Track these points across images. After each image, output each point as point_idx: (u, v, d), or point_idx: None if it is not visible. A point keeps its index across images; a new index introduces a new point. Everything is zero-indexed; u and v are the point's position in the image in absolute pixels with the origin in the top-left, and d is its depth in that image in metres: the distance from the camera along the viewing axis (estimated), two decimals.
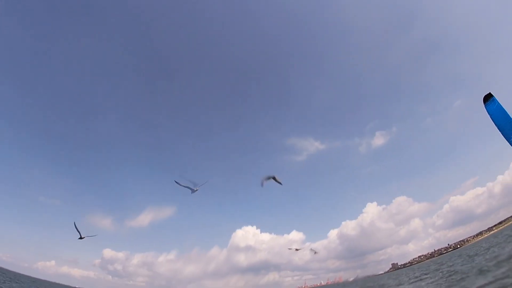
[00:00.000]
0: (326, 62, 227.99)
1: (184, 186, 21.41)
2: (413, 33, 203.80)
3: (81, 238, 29.33)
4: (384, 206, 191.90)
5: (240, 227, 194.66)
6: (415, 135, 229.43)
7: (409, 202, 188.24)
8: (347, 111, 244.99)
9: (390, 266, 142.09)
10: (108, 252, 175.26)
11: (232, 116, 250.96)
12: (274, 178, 20.67)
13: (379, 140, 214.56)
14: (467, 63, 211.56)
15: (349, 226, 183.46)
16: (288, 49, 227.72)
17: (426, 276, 20.72)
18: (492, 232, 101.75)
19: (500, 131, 5.21)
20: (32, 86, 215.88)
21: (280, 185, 21.11)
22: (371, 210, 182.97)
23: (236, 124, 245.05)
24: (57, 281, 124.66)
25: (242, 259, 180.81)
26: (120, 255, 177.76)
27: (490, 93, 5.39)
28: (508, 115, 5.21)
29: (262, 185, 21.05)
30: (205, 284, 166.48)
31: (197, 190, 21.32)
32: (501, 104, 5.21)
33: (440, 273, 16.85)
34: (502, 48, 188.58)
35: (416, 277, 23.35)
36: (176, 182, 21.84)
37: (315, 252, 53.91)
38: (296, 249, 45.15)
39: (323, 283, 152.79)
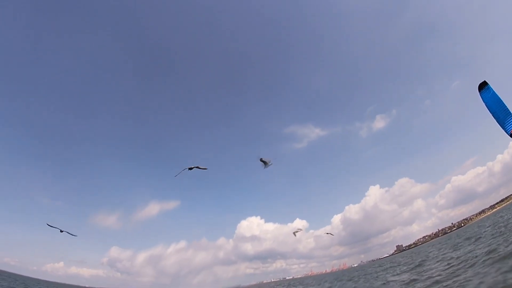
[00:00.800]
0: (322, 48, 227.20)
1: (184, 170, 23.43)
2: (408, 15, 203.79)
3: (61, 231, 31.57)
4: (386, 188, 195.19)
5: (244, 218, 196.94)
6: (415, 117, 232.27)
7: (411, 183, 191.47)
8: (346, 96, 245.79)
9: (395, 249, 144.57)
10: (115, 250, 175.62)
11: (231, 107, 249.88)
12: (264, 162, 22.85)
13: (379, 123, 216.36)
14: (464, 44, 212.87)
15: (353, 210, 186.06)
16: (284, 37, 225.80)
17: (463, 244, 20.08)
18: (495, 210, 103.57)
19: (495, 118, 5.37)
20: (30, 86, 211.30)
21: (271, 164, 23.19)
22: (374, 193, 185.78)
23: (235, 115, 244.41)
24: (68, 282, 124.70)
25: (249, 248, 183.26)
26: (128, 252, 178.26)
27: (485, 81, 5.49)
28: (503, 102, 5.33)
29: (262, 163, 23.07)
30: (215, 271, 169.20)
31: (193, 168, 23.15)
32: (496, 92, 5.39)
33: (487, 234, 16.60)
34: (498, 29, 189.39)
35: (455, 245, 22.58)
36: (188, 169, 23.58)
37: (330, 234, 54.93)
38: (297, 231, 47.04)
39: (328, 270, 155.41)
